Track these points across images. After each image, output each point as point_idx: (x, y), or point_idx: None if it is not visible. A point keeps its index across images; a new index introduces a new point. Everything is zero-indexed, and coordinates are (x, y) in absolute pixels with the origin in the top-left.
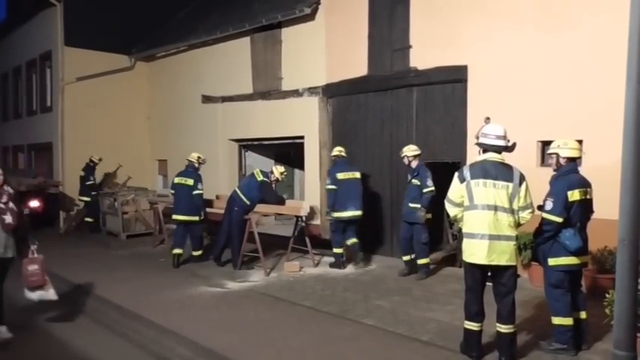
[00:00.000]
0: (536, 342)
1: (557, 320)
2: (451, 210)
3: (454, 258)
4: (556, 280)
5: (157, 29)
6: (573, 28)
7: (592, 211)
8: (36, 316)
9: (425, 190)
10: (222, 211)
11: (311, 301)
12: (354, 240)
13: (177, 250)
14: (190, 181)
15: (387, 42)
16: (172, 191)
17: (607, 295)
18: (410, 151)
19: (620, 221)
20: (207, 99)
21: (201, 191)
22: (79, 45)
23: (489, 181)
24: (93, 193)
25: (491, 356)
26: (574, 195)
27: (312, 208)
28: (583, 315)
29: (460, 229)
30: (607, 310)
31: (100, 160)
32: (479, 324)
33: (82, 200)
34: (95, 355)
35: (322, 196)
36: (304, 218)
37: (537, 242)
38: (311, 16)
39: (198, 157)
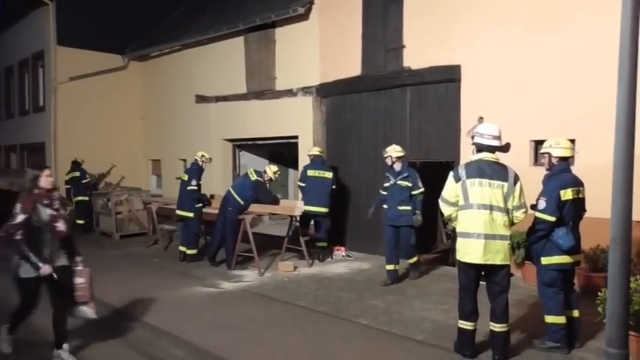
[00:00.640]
0: (530, 340)
1: (550, 319)
2: (445, 209)
3: (447, 257)
4: (549, 278)
5: (150, 29)
6: (566, 28)
7: (584, 210)
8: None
9: (416, 192)
10: (217, 211)
11: (305, 300)
12: (322, 244)
13: (180, 247)
14: (187, 177)
15: (381, 42)
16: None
17: (599, 294)
18: (394, 151)
19: (612, 220)
20: (201, 99)
21: (194, 187)
22: (72, 44)
23: (485, 181)
24: (90, 191)
25: (485, 355)
26: (566, 194)
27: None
28: (576, 313)
29: (454, 229)
30: (599, 309)
31: (82, 161)
32: (473, 323)
33: (79, 200)
34: (88, 355)
35: None
36: (298, 218)
37: (530, 241)
38: (305, 16)
39: (202, 155)
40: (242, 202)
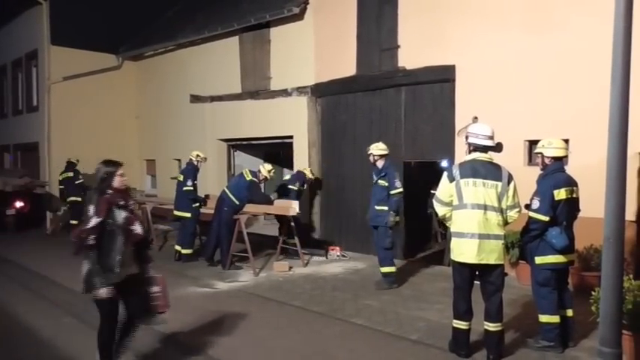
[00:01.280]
0: (524, 340)
1: (544, 318)
2: (440, 209)
3: (441, 256)
4: (543, 278)
5: (144, 28)
6: (560, 29)
7: (578, 210)
8: (27, 318)
9: (393, 192)
10: (211, 211)
11: (300, 300)
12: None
13: (176, 247)
14: (182, 177)
15: (376, 42)
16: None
17: (593, 293)
18: (377, 149)
19: (606, 219)
20: (195, 98)
21: (190, 187)
22: (66, 44)
23: (479, 181)
24: (83, 192)
25: (479, 354)
26: (560, 194)
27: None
28: (570, 313)
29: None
30: (593, 308)
31: (77, 161)
32: (467, 322)
33: (73, 201)
34: (83, 356)
35: (313, 196)
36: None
37: (524, 241)
38: (299, 16)
39: (197, 155)
40: (237, 202)
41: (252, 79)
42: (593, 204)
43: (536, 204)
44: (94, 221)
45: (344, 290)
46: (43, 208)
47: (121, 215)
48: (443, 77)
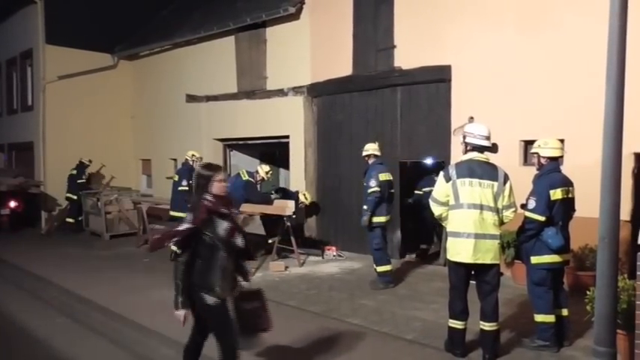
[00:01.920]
0: (519, 339)
1: (539, 317)
2: (436, 209)
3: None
4: (539, 278)
5: (140, 28)
6: (555, 29)
7: (574, 210)
8: (21, 318)
9: (368, 191)
10: None
11: (296, 300)
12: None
13: (172, 247)
14: (177, 177)
15: (372, 42)
16: None
17: (588, 293)
18: (364, 150)
19: (601, 219)
20: (191, 98)
21: (185, 187)
22: (61, 43)
23: (475, 180)
24: (81, 192)
25: (475, 354)
26: (556, 194)
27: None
28: (565, 312)
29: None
30: (588, 307)
31: (90, 161)
32: (463, 322)
33: (69, 198)
34: (79, 356)
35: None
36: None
37: (520, 241)
38: (295, 16)
39: (193, 155)
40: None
41: (248, 79)
42: (588, 204)
43: (532, 204)
44: (184, 227)
45: (340, 290)
46: (37, 208)
47: (222, 226)
48: (439, 77)
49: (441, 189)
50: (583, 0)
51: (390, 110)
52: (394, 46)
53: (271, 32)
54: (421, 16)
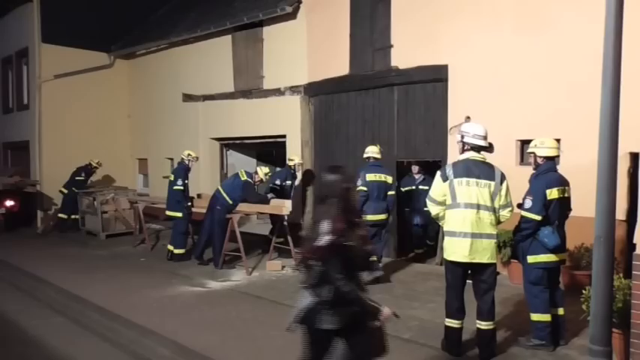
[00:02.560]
0: (516, 338)
1: (535, 317)
2: (433, 208)
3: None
4: (535, 277)
5: (136, 27)
6: (552, 29)
7: (570, 209)
8: (17, 317)
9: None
10: (204, 210)
11: (293, 300)
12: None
13: (168, 246)
14: (173, 176)
15: (369, 41)
16: None
17: (584, 292)
18: (367, 152)
19: (597, 219)
20: (188, 97)
21: (180, 187)
22: (57, 42)
23: (472, 180)
24: (76, 189)
25: (471, 353)
26: (552, 193)
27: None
28: (561, 311)
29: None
30: (584, 306)
31: (98, 163)
32: (459, 321)
33: (61, 191)
34: (74, 356)
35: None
36: (287, 217)
37: (516, 240)
38: (292, 15)
39: (188, 155)
40: (230, 202)
41: (244, 78)
42: (584, 203)
43: (528, 203)
44: (326, 239)
45: None
46: (33, 207)
47: (355, 234)
48: (435, 77)
49: (438, 188)
50: (579, 0)
51: (387, 110)
52: (391, 46)
53: (268, 31)
54: (418, 16)
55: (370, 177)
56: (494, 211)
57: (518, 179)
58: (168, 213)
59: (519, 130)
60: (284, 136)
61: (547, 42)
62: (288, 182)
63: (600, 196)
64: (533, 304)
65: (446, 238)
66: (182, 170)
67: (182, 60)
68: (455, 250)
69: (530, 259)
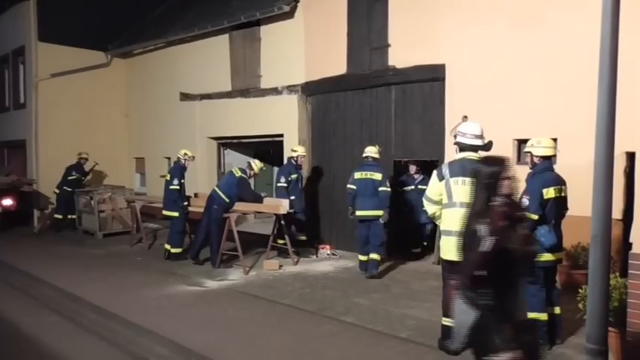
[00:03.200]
0: None
1: (532, 315)
2: (429, 208)
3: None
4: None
5: (133, 25)
6: (549, 27)
7: (566, 209)
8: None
9: None
10: (201, 209)
11: (290, 299)
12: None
13: (165, 245)
14: (169, 176)
15: (366, 40)
16: None
17: (580, 291)
18: (365, 152)
19: (593, 218)
20: (185, 96)
21: (176, 186)
22: (54, 41)
23: (468, 179)
24: (68, 188)
25: (468, 352)
26: (549, 193)
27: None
28: (557, 310)
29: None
30: (580, 305)
31: (86, 154)
32: None
33: (54, 191)
34: (71, 355)
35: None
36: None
37: None
38: (290, 14)
39: (185, 154)
40: (227, 200)
41: (242, 78)
42: (581, 203)
43: (525, 202)
44: (488, 243)
45: (334, 288)
46: (30, 206)
47: (516, 234)
48: (433, 76)
49: (434, 188)
50: (576, 0)
51: (384, 109)
52: (388, 45)
53: (265, 31)
54: (415, 15)
55: (357, 175)
56: None
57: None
58: (165, 213)
59: (516, 129)
60: (281, 136)
61: (544, 42)
62: (294, 176)
63: (597, 195)
64: (529, 303)
65: (442, 238)
66: (178, 169)
67: (179, 59)
68: (451, 249)
69: None
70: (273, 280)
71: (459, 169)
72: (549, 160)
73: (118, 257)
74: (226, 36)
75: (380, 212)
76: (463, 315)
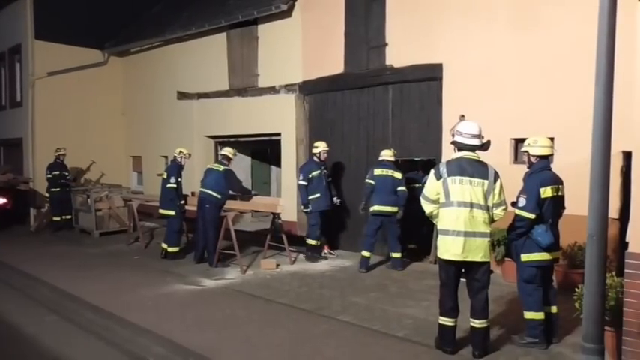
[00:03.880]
0: (509, 336)
1: (529, 315)
2: (427, 207)
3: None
4: (528, 275)
5: (130, 24)
6: (546, 27)
7: (563, 208)
8: (10, 316)
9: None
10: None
11: (287, 298)
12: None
13: (162, 244)
14: (166, 175)
15: (364, 39)
16: None
17: (577, 290)
18: (381, 155)
19: (589, 217)
20: (182, 95)
21: (173, 185)
22: (50, 39)
23: (466, 179)
24: (52, 190)
25: (465, 351)
26: (546, 192)
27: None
28: (554, 309)
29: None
30: (577, 304)
31: (63, 149)
32: (453, 319)
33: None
34: (69, 355)
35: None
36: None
37: (510, 238)
38: (287, 13)
39: (180, 152)
40: (219, 197)
41: (239, 76)
42: (577, 202)
43: (522, 202)
44: None
45: (331, 287)
46: (26, 205)
47: None
48: (430, 75)
49: (431, 187)
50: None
51: (381, 108)
52: (386, 44)
53: (263, 29)
54: (413, 15)
55: (377, 172)
56: (487, 209)
57: (512, 178)
58: (161, 211)
59: (513, 128)
60: (279, 135)
61: (541, 41)
62: (315, 173)
63: (593, 194)
64: (526, 302)
65: (439, 237)
66: (175, 168)
67: (176, 58)
68: (448, 248)
69: (524, 257)
70: (271, 279)
71: (457, 168)
72: (546, 159)
73: (115, 256)
74: (224, 35)
75: (396, 209)
76: None
